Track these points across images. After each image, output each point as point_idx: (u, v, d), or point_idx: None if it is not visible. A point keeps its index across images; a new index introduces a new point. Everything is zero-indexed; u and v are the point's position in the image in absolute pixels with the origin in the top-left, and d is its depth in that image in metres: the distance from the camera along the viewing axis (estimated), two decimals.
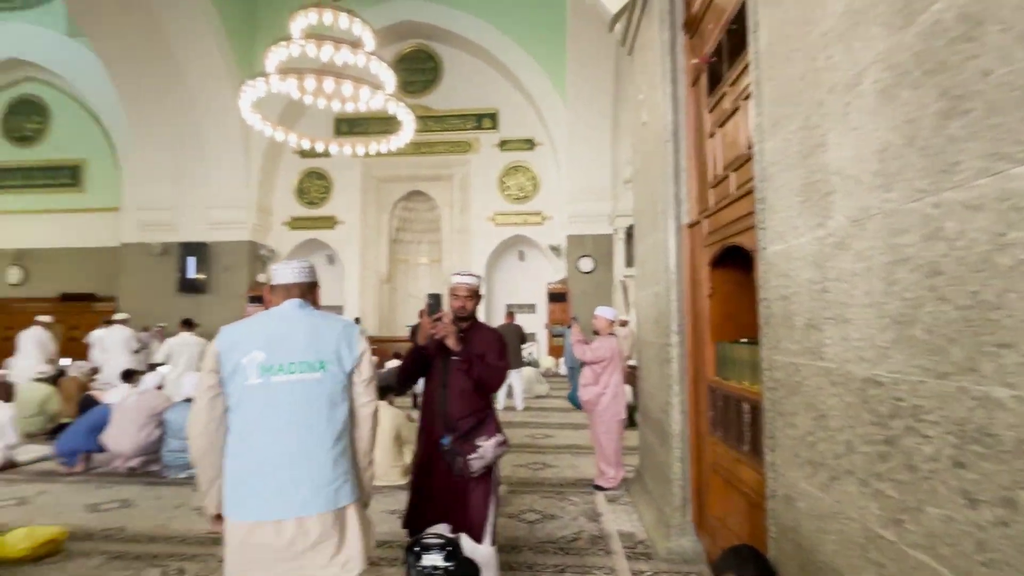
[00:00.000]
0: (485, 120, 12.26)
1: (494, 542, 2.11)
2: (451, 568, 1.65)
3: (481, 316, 2.33)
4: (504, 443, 2.06)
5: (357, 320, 10.66)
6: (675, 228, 2.92)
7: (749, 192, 2.04)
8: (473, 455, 1.95)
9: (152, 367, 6.36)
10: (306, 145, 8.28)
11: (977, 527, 0.89)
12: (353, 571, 1.43)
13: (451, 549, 1.69)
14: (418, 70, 12.44)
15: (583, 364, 4.00)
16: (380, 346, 10.79)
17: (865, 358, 1.20)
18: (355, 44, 6.15)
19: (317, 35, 5.99)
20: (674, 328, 2.88)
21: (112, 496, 3.69)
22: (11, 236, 13.16)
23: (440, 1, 11.43)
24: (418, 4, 11.53)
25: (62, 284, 12.83)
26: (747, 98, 2.11)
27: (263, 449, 1.40)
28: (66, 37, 12.29)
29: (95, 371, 6.96)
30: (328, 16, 6.07)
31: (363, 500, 1.56)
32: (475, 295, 2.22)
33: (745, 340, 2.42)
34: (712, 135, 2.62)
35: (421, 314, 2.08)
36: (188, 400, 4.32)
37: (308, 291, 1.60)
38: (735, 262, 2.52)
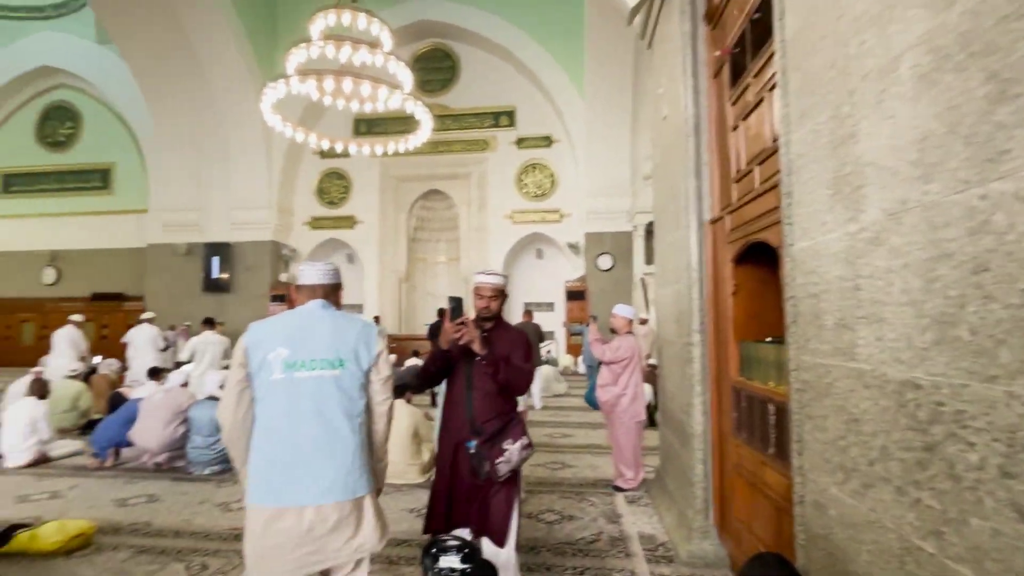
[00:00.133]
0: (502, 118, 12.23)
1: (518, 547, 2.08)
2: (468, 570, 1.63)
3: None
4: (529, 446, 2.01)
5: (376, 319, 10.76)
6: (697, 224, 2.85)
7: (774, 186, 1.97)
8: (500, 459, 1.90)
9: (178, 365, 6.51)
10: (326, 146, 8.37)
11: None
12: (364, 552, 1.52)
13: (468, 551, 1.67)
14: (435, 69, 12.47)
15: (600, 364, 3.94)
16: (399, 344, 10.88)
17: (902, 360, 1.13)
18: (373, 44, 6.18)
19: (336, 36, 6.04)
20: (696, 327, 2.81)
21: (139, 491, 3.78)
22: (46, 238, 13.64)
23: None
24: (435, 3, 11.56)
25: (93, 284, 13.24)
26: (772, 89, 2.04)
27: (286, 440, 1.48)
28: (95, 44, 12.68)
29: (125, 368, 7.17)
30: (347, 17, 6.11)
31: (376, 490, 1.64)
32: (500, 295, 2.14)
33: (770, 339, 2.35)
34: (735, 128, 2.55)
35: (440, 313, 2.06)
36: (211, 398, 4.41)
37: (332, 292, 1.69)
38: (760, 259, 2.44)
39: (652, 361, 6.55)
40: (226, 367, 6.95)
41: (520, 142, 12.14)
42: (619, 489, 3.77)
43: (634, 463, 3.78)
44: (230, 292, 11.95)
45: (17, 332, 13.24)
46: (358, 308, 12.06)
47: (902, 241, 1.13)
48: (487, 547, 1.95)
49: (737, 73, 2.50)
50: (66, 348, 6.92)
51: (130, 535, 3.01)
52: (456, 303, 2.04)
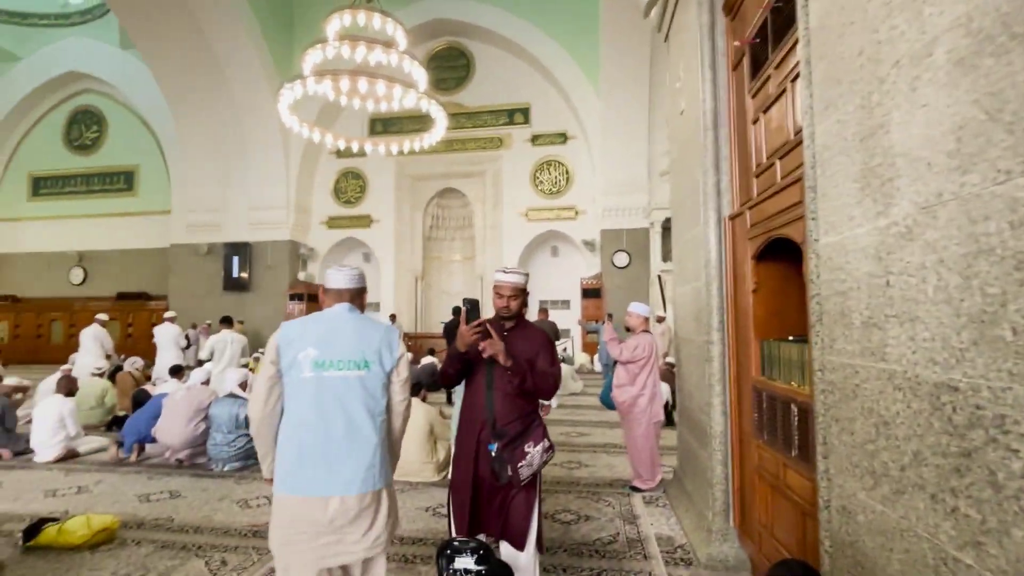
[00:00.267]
0: (517, 115, 12.19)
1: (543, 550, 2.03)
2: (483, 572, 1.61)
3: None
4: (550, 449, 1.96)
5: (392, 317, 10.82)
6: (715, 220, 2.79)
7: (797, 180, 1.91)
8: (522, 463, 1.86)
9: (199, 363, 6.63)
10: (342, 145, 8.44)
11: None
12: (380, 547, 1.61)
13: (483, 552, 1.65)
14: (450, 67, 12.48)
15: (616, 363, 3.88)
16: (414, 342, 10.94)
17: (937, 360, 1.08)
18: (388, 44, 6.20)
19: (351, 36, 6.07)
20: (715, 325, 2.75)
21: (162, 487, 3.85)
22: (73, 239, 14.05)
23: None
24: (449, 1, 11.56)
25: (119, 284, 13.59)
26: (795, 79, 1.97)
27: (314, 435, 1.56)
28: (119, 49, 12.99)
29: (148, 366, 7.33)
30: (362, 17, 6.14)
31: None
32: (520, 293, 2.06)
33: (793, 338, 2.28)
34: (755, 121, 2.48)
35: (456, 312, 2.03)
36: (230, 395, 4.47)
37: (357, 296, 1.79)
38: (781, 255, 2.37)
39: (670, 359, 6.47)
40: (244, 365, 7.06)
41: (535, 139, 12.09)
42: (636, 489, 3.72)
43: (651, 464, 3.72)
44: (250, 291, 12.15)
45: (47, 331, 13.66)
46: (374, 306, 12.16)
47: (937, 236, 1.07)
48: (506, 549, 1.92)
49: (757, 64, 2.43)
50: (92, 346, 7.10)
51: (152, 530, 3.07)
52: (472, 305, 1.99)
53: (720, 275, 2.77)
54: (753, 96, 2.48)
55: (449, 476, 2.09)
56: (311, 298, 12.15)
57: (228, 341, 6.84)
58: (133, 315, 13.09)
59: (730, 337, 2.72)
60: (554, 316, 8.62)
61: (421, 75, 6.68)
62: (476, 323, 1.91)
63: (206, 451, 4.33)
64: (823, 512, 1.55)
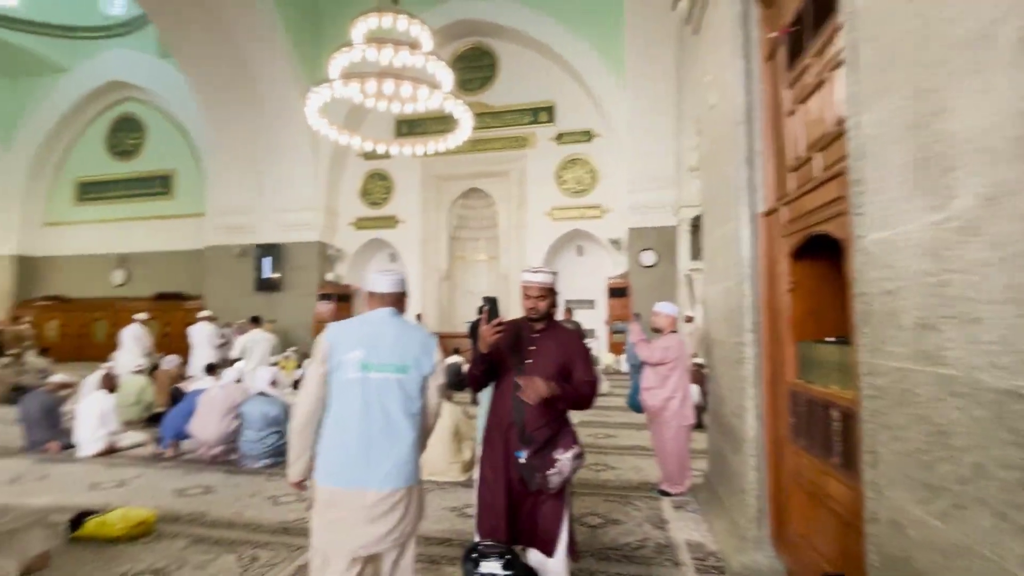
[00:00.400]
0: (541, 114, 12.12)
1: (576, 558, 1.98)
2: None
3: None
4: (581, 455, 1.90)
5: (418, 317, 10.90)
6: (749, 217, 2.69)
7: (840, 174, 1.81)
8: (551, 471, 1.80)
9: (231, 362, 6.80)
10: (369, 147, 8.55)
11: None
12: (409, 537, 1.71)
13: (510, 557, 1.62)
14: (474, 68, 12.50)
15: (643, 365, 3.79)
16: (440, 342, 10.97)
17: (1001, 365, 0.99)
18: (413, 45, 6.24)
19: (377, 39, 6.13)
20: (748, 326, 2.65)
21: (196, 482, 3.96)
22: (115, 242, 14.65)
23: None
24: (474, 2, 11.57)
25: (157, 284, 14.10)
26: (836, 68, 1.88)
27: (356, 431, 1.66)
28: (157, 59, 13.48)
29: (184, 364, 7.57)
30: (387, 20, 6.20)
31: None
32: (549, 293, 2.01)
33: (832, 339, 2.17)
34: (792, 113, 2.38)
35: (480, 310, 1.98)
36: (261, 394, 4.56)
37: (399, 301, 1.86)
38: (820, 253, 2.27)
39: (699, 360, 6.31)
40: (274, 364, 7.21)
41: (559, 137, 12.00)
42: (665, 493, 3.63)
43: (681, 468, 3.63)
44: (281, 291, 12.42)
45: (91, 330, 14.26)
46: None
47: (1002, 230, 0.99)
48: (534, 556, 1.88)
49: (794, 54, 2.33)
50: (132, 345, 7.37)
51: (187, 524, 3.15)
52: (491, 303, 1.94)
53: (753, 274, 2.68)
54: (790, 87, 2.38)
55: (475, 476, 2.05)
56: (340, 298, 12.34)
57: (257, 340, 7.01)
58: (170, 315, 13.55)
59: (764, 338, 2.62)
60: (579, 316, 8.54)
61: (446, 76, 6.70)
62: (496, 322, 1.86)
63: (238, 447, 4.43)
64: (870, 525, 1.47)
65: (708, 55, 3.41)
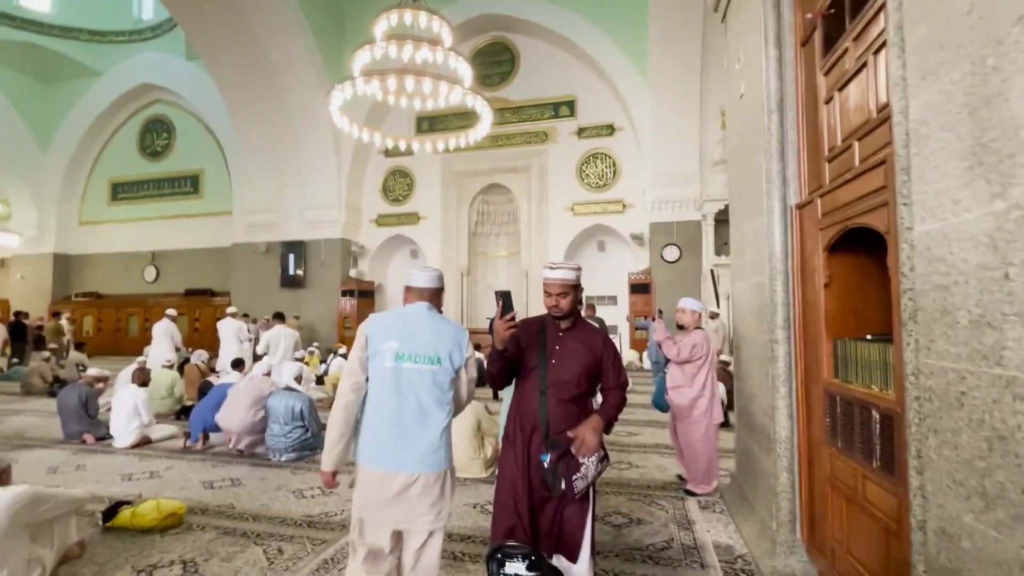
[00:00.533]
0: (562, 108, 12.01)
1: (594, 556, 1.95)
2: None
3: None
4: (605, 458, 1.84)
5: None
6: (780, 210, 2.59)
7: (882, 162, 1.72)
8: (576, 475, 1.75)
9: (257, 357, 6.94)
10: (390, 145, 8.58)
11: None
12: (443, 521, 1.79)
13: (534, 559, 1.59)
14: (495, 63, 12.45)
15: (667, 362, 3.70)
16: None
17: None
18: (434, 42, 6.22)
19: (398, 36, 6.14)
20: (780, 323, 2.56)
21: (224, 475, 4.04)
22: (147, 240, 15.11)
23: None
24: None
25: (187, 281, 14.50)
26: (879, 51, 1.78)
27: (392, 417, 1.75)
28: (185, 61, 13.81)
29: (212, 358, 7.75)
30: (408, 16, 6.20)
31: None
32: (572, 289, 1.93)
33: (871, 337, 2.08)
34: (828, 100, 2.27)
35: (497, 301, 1.93)
36: (287, 388, 4.63)
37: (435, 296, 1.93)
38: (858, 246, 2.17)
39: (724, 357, 6.18)
40: (299, 359, 7.32)
41: (581, 132, 11.87)
42: (691, 493, 3.55)
43: (709, 467, 3.54)
44: (305, 287, 12.63)
45: (125, 325, 14.75)
46: None
47: None
48: (558, 560, 1.84)
49: (831, 38, 2.22)
50: (163, 340, 7.57)
51: (216, 516, 3.21)
52: (504, 297, 1.89)
53: (786, 269, 2.58)
54: (826, 73, 2.28)
55: (496, 473, 2.01)
56: (362, 294, 12.48)
57: (281, 336, 7.12)
58: (199, 310, 13.92)
59: (797, 335, 2.53)
60: (601, 312, 8.44)
61: (466, 71, 6.67)
62: (509, 317, 1.82)
63: (264, 440, 4.51)
64: (916, 533, 1.39)
65: (737, 41, 3.30)
